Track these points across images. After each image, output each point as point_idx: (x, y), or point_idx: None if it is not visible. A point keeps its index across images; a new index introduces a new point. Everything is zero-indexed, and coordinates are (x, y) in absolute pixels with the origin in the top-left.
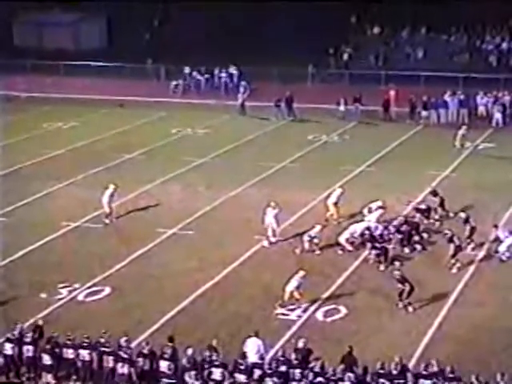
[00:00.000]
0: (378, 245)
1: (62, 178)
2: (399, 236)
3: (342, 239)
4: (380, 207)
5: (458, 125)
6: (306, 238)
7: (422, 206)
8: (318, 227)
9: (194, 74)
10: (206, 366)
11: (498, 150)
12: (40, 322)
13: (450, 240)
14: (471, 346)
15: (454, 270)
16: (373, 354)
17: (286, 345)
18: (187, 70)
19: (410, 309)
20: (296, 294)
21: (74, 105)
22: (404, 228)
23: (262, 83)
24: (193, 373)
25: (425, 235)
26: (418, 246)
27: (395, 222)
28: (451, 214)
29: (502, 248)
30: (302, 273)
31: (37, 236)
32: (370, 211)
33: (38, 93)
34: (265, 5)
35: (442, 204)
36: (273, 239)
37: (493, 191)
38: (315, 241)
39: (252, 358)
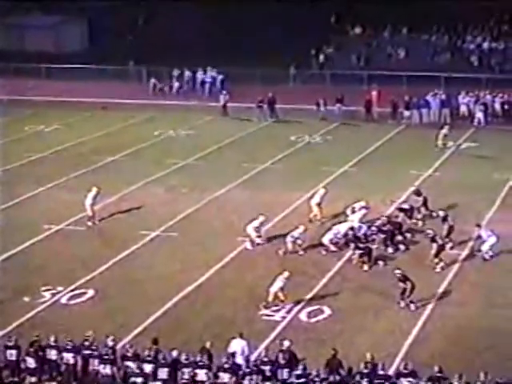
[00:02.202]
0: (361, 245)
1: (44, 180)
2: (382, 236)
3: (325, 240)
4: (363, 207)
5: (440, 124)
6: (289, 238)
7: (405, 206)
8: (301, 228)
9: (176, 75)
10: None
11: (481, 149)
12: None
13: (433, 239)
14: (455, 346)
15: (438, 269)
16: (357, 354)
17: (270, 346)
18: (175, 72)
19: (413, 307)
20: (280, 295)
21: (57, 108)
22: (387, 228)
23: (244, 84)
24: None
25: (408, 235)
26: (402, 246)
27: (378, 222)
28: (434, 214)
29: (485, 247)
30: (286, 273)
31: (19, 239)
32: (353, 211)
33: (20, 96)
34: (247, 7)
35: (425, 203)
36: (259, 240)
37: (475, 190)
38: (298, 242)
39: (237, 359)
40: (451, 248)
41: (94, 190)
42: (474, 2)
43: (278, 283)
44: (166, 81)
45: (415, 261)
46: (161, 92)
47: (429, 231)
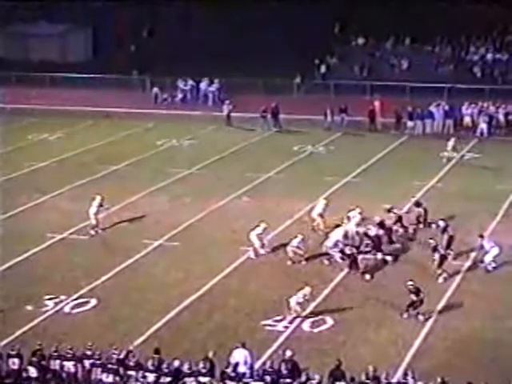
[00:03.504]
0: (348, 251)
1: (47, 189)
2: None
3: (329, 249)
4: (358, 213)
5: (443, 135)
6: (289, 248)
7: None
8: (300, 237)
9: (181, 86)
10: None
11: (484, 160)
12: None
13: (435, 249)
14: (458, 357)
15: (441, 280)
16: (360, 365)
17: (273, 355)
18: (180, 83)
19: (421, 318)
20: (298, 309)
21: (60, 116)
22: (375, 234)
23: (247, 94)
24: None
25: (397, 245)
26: (389, 257)
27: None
28: (434, 225)
29: (488, 258)
30: (307, 289)
31: (22, 248)
32: (349, 219)
33: (24, 104)
34: (251, 16)
35: (425, 214)
36: (262, 251)
37: (478, 201)
38: (299, 251)
39: (239, 368)
40: (454, 258)
41: (98, 198)
42: (478, 13)
43: (298, 297)
44: (169, 90)
45: (418, 271)
46: (164, 102)
47: (431, 241)
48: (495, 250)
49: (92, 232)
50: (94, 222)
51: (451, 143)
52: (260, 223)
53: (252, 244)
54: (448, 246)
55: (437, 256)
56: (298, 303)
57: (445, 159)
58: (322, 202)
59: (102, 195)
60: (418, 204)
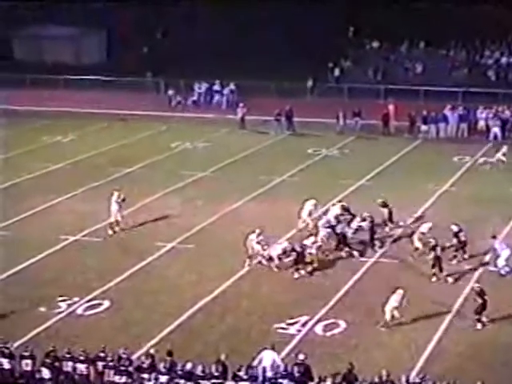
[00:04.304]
0: (298, 249)
1: (61, 191)
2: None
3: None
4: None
5: (457, 139)
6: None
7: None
8: (312, 238)
9: (197, 89)
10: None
11: (498, 164)
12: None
13: (433, 248)
14: (471, 361)
15: (434, 279)
16: (372, 369)
17: (285, 359)
18: (196, 86)
19: (479, 326)
20: (396, 314)
21: (73, 118)
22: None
23: (261, 97)
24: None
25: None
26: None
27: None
28: (401, 223)
29: (501, 262)
30: (400, 291)
31: (36, 250)
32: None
33: (38, 106)
34: (265, 19)
35: (390, 215)
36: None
37: (492, 205)
38: (311, 251)
39: (267, 370)
40: (459, 262)
41: (116, 194)
42: (492, 16)
43: (393, 302)
44: (183, 93)
45: (430, 275)
46: (178, 105)
47: (431, 240)
48: (506, 252)
49: (110, 231)
50: (113, 219)
51: (504, 150)
52: (256, 229)
53: (256, 251)
54: (457, 250)
55: (432, 254)
56: (395, 308)
57: (488, 165)
58: (311, 203)
59: (119, 191)
60: (384, 205)
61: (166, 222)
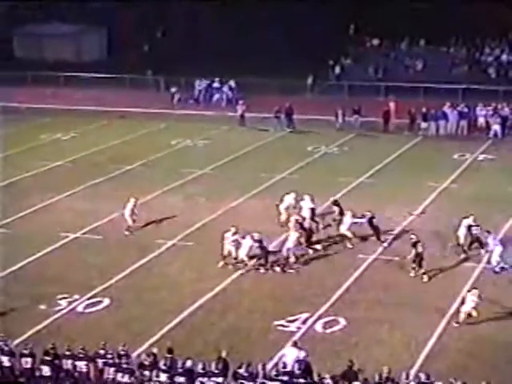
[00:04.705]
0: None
1: (61, 189)
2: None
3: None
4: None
5: (457, 137)
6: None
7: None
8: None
9: (198, 87)
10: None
11: (498, 161)
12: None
13: (414, 245)
14: (472, 359)
15: (412, 274)
16: (372, 366)
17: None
18: (197, 84)
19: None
20: (474, 313)
21: (74, 116)
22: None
23: (261, 94)
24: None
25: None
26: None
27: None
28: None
29: (494, 259)
30: (475, 291)
31: (36, 247)
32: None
33: (38, 104)
34: (265, 17)
35: (341, 214)
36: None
37: (492, 203)
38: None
39: (289, 367)
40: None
41: (132, 200)
42: (493, 14)
43: (470, 303)
44: (183, 90)
45: (430, 270)
46: (178, 102)
47: (412, 236)
48: (498, 249)
49: (126, 233)
50: (130, 222)
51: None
52: (231, 227)
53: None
54: (470, 246)
55: (413, 252)
56: (474, 308)
57: None
58: (292, 196)
59: (136, 198)
60: (335, 203)
61: (167, 220)
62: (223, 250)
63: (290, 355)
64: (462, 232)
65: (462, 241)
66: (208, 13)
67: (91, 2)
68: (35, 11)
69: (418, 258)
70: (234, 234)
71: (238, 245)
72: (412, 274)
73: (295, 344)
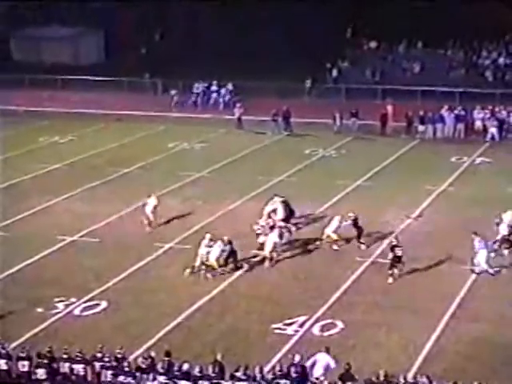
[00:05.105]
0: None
1: (58, 192)
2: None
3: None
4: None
5: (454, 140)
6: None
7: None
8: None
9: (196, 90)
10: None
11: (495, 164)
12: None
13: (392, 249)
14: (469, 361)
15: (390, 280)
16: (370, 369)
17: (282, 359)
18: (195, 88)
19: (390, 280)
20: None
21: (72, 119)
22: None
23: (259, 97)
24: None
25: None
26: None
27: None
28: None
29: (476, 260)
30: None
31: (33, 250)
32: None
33: (36, 107)
34: (262, 19)
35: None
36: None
37: (490, 205)
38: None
39: (318, 372)
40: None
41: (154, 199)
42: (490, 17)
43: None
44: (181, 93)
45: (423, 276)
46: (177, 105)
47: (393, 239)
48: (483, 253)
49: (148, 229)
50: (152, 218)
51: None
52: (206, 234)
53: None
54: (392, 266)
55: (390, 255)
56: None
57: None
58: (153, 199)
59: (158, 197)
60: (285, 203)
61: (164, 223)
62: (196, 257)
63: (321, 361)
64: (503, 228)
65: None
66: (208, 13)
67: (90, 2)
68: (33, 13)
69: (397, 262)
70: (210, 241)
71: (208, 252)
72: (391, 281)
73: (327, 350)
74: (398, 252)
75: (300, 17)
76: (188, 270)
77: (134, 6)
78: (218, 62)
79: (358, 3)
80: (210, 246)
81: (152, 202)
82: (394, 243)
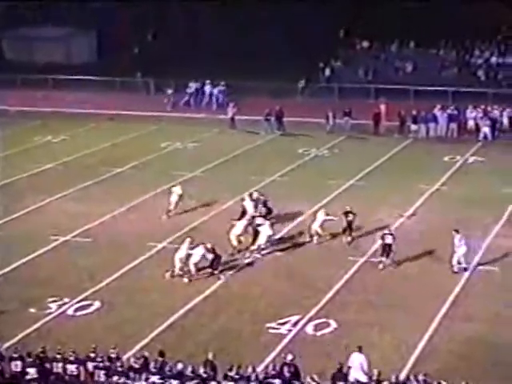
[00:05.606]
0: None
1: (52, 192)
2: None
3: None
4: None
5: (447, 139)
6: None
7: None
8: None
9: (189, 91)
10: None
11: (488, 163)
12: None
13: (382, 237)
14: (462, 361)
15: (380, 266)
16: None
17: (276, 359)
18: (189, 88)
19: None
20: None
21: (64, 119)
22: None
23: (252, 97)
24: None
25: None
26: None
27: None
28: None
29: (456, 259)
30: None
31: (26, 250)
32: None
33: (29, 107)
34: (255, 19)
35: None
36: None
37: (483, 205)
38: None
39: (355, 373)
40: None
41: (178, 188)
42: (482, 17)
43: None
44: (176, 93)
45: (417, 275)
46: (168, 104)
47: (386, 231)
48: (463, 249)
49: (164, 216)
50: (172, 207)
51: None
52: (186, 239)
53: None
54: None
55: (380, 242)
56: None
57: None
58: (178, 189)
59: (182, 187)
60: (251, 199)
61: (157, 222)
62: (175, 261)
63: (355, 361)
64: None
65: None
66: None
67: (82, 2)
68: (25, 13)
69: (387, 250)
70: (191, 244)
71: (189, 255)
72: (381, 267)
73: (360, 349)
74: (388, 239)
75: (292, 16)
76: (168, 273)
77: (127, 6)
78: (211, 61)
79: (352, 3)
80: (192, 249)
81: (177, 190)
82: (385, 232)
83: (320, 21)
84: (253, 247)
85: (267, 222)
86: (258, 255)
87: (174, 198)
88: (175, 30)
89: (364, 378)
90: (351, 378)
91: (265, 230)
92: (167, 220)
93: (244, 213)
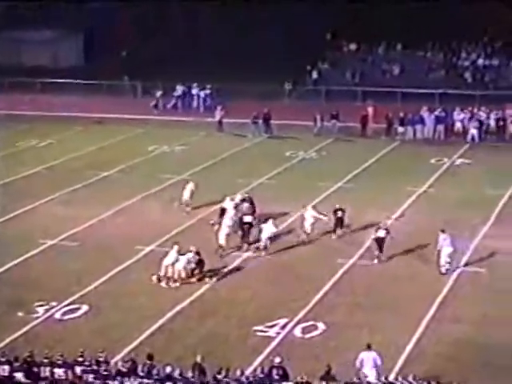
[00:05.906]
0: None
1: (38, 196)
2: None
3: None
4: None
5: (434, 141)
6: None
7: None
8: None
9: (176, 94)
10: None
11: (475, 165)
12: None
13: (375, 230)
14: (451, 362)
15: (375, 261)
16: (352, 371)
17: (264, 362)
18: (176, 92)
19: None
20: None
21: (51, 122)
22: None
23: (239, 100)
24: None
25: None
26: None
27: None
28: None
29: (442, 260)
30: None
31: (14, 254)
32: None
33: (15, 110)
34: (242, 23)
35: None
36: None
37: (470, 206)
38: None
39: (368, 372)
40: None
41: (191, 184)
42: (469, 19)
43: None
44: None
45: (409, 275)
46: (156, 107)
47: (380, 224)
48: (447, 250)
49: (188, 209)
50: (183, 202)
51: None
52: (174, 245)
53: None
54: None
55: (373, 236)
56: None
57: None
58: (191, 185)
59: (195, 183)
60: (250, 200)
61: (144, 226)
62: (161, 266)
63: (365, 359)
64: None
65: None
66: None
67: (69, 6)
68: (12, 17)
69: (380, 243)
70: (178, 252)
71: (175, 261)
72: (375, 261)
73: (369, 347)
74: (380, 233)
75: (281, 20)
76: (155, 277)
77: (114, 8)
78: (197, 65)
79: (339, 6)
80: (180, 255)
81: (190, 186)
82: (380, 225)
83: (307, 23)
84: (258, 244)
85: (271, 220)
86: (263, 252)
87: (186, 194)
88: (162, 34)
89: (374, 376)
90: (363, 378)
91: (268, 228)
92: (152, 224)
93: (223, 213)
